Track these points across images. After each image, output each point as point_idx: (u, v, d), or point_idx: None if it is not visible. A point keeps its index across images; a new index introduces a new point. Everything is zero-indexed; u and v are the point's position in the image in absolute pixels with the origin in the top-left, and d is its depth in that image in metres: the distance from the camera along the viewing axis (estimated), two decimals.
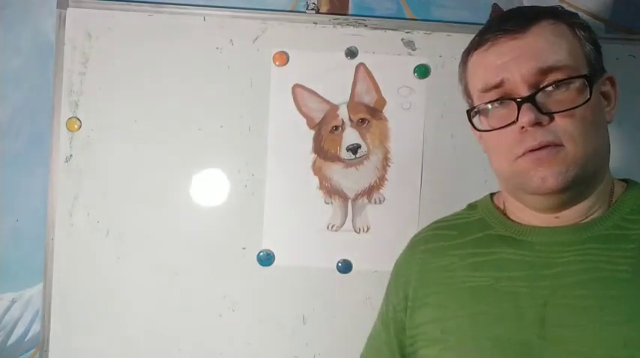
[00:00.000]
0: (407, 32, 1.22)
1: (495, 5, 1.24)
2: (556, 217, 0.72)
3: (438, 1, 1.24)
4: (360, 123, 1.22)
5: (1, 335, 1.21)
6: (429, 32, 1.22)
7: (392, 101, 1.22)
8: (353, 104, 1.22)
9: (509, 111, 0.68)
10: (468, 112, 0.75)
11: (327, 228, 1.21)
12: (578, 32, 0.71)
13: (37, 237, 1.20)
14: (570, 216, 0.72)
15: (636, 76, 1.22)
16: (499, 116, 0.70)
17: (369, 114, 1.22)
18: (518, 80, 0.68)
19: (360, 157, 1.22)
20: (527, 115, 0.66)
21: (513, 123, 0.68)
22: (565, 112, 0.66)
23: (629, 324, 0.63)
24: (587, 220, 0.71)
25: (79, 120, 1.20)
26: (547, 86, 0.67)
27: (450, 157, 1.21)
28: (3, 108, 1.21)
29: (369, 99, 1.22)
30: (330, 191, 1.22)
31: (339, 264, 1.20)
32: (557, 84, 0.67)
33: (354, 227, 1.22)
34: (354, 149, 1.22)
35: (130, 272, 1.20)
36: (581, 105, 0.66)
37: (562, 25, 0.70)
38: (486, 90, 0.71)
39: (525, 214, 0.74)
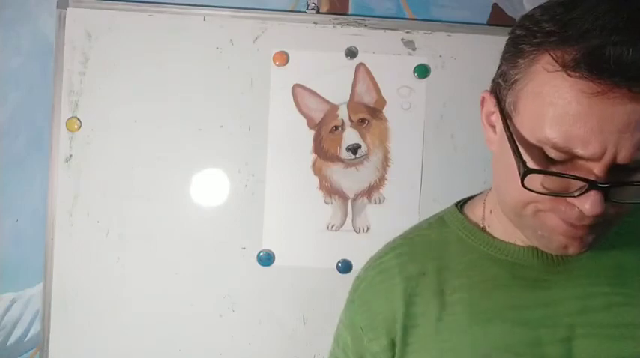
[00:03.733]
0: (407, 32, 1.22)
1: (496, 5, 1.24)
2: None
3: (438, 1, 1.24)
4: (360, 123, 1.22)
5: (1, 335, 1.21)
6: (429, 32, 1.22)
7: (392, 101, 1.22)
8: (353, 104, 1.22)
9: (570, 181, 0.53)
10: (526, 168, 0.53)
11: (327, 228, 1.21)
12: None
13: (37, 237, 1.20)
14: None
15: None
16: (554, 179, 0.55)
17: (369, 114, 1.22)
18: (603, 161, 0.51)
19: (360, 157, 1.22)
20: (595, 207, 0.52)
21: (568, 194, 0.54)
22: (619, 204, 0.54)
23: None
24: None
25: (79, 120, 1.20)
26: (628, 183, 0.53)
27: (450, 157, 1.21)
28: (3, 108, 1.21)
29: (369, 99, 1.22)
30: (330, 191, 1.22)
31: (339, 264, 1.20)
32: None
33: (354, 227, 1.22)
34: (354, 149, 1.22)
35: (130, 272, 1.20)
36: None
37: None
38: (561, 150, 0.52)
39: (515, 233, 0.64)
